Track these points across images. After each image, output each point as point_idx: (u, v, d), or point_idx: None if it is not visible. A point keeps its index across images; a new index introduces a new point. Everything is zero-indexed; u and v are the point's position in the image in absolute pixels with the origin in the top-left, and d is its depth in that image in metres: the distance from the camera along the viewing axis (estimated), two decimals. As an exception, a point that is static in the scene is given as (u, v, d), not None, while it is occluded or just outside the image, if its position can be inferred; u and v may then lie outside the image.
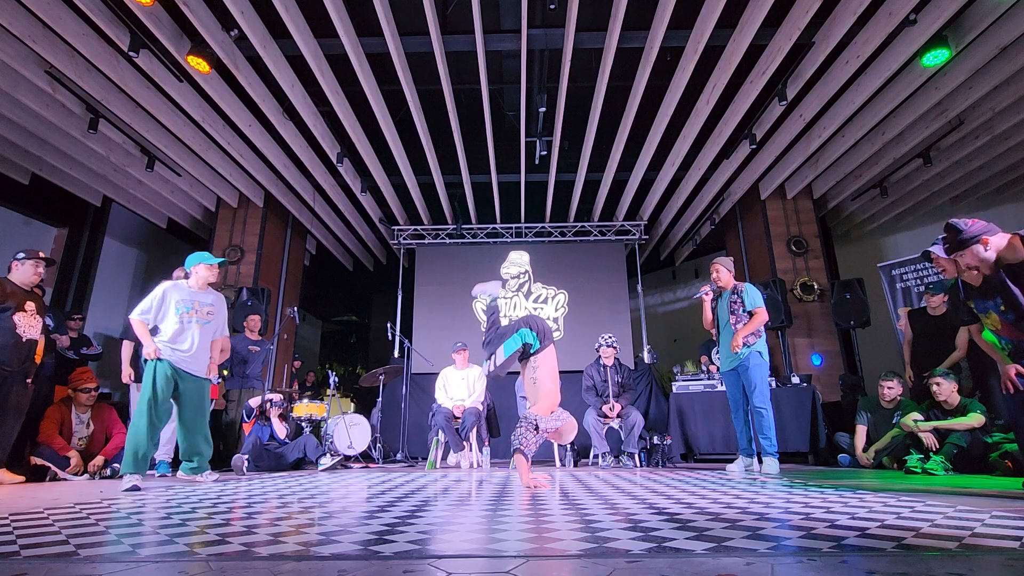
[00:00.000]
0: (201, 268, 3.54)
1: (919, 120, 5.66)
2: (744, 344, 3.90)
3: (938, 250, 2.58)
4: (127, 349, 4.48)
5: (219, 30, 4.54)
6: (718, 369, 5.56)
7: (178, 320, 3.36)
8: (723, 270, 4.16)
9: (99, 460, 4.03)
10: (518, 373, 3.56)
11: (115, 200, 7.19)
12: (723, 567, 1.10)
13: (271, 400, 4.90)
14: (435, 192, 7.61)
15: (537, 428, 2.92)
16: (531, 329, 3.08)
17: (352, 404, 7.58)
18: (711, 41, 4.61)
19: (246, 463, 4.36)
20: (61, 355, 5.11)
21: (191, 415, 3.46)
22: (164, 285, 3.43)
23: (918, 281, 6.34)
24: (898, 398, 4.36)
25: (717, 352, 5.98)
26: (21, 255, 3.67)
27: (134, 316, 3.33)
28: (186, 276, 3.58)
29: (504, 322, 3.30)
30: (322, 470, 4.61)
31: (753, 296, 3.99)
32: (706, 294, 4.23)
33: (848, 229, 8.48)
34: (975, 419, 3.70)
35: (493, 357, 3.10)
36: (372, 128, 6.06)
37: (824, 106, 5.51)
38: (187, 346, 3.37)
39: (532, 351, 3.06)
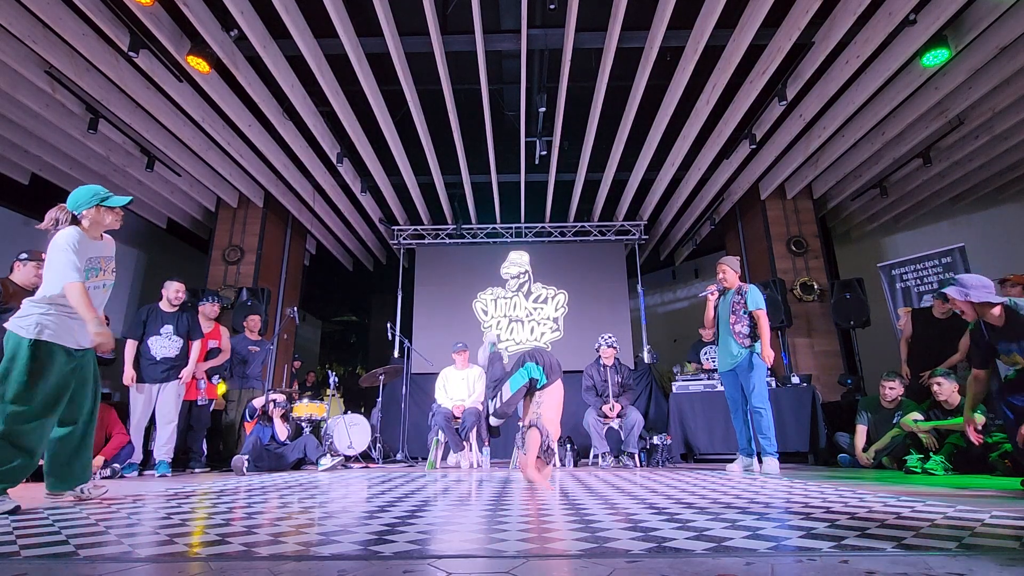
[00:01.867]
0: (96, 211, 2.47)
1: (919, 120, 5.66)
2: (746, 346, 3.94)
3: (954, 292, 2.58)
4: (130, 349, 4.38)
5: (219, 30, 4.54)
6: (713, 369, 5.58)
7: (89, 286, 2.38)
8: (730, 270, 4.18)
9: (99, 460, 4.01)
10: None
11: (115, 200, 7.18)
12: (723, 567, 1.10)
13: (275, 400, 4.90)
14: (435, 192, 7.61)
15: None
16: (537, 363, 2.95)
17: (341, 402, 7.51)
18: (711, 41, 4.61)
19: (246, 463, 4.36)
20: None
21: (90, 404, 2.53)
22: (74, 232, 2.37)
23: (918, 281, 6.34)
24: (899, 398, 4.37)
25: (706, 353, 5.98)
26: (24, 256, 3.68)
27: (74, 279, 2.28)
28: (73, 219, 2.45)
29: (501, 346, 3.36)
30: (322, 470, 4.61)
31: (755, 297, 4.01)
32: (712, 293, 4.23)
33: (848, 229, 8.48)
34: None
35: (499, 394, 2.99)
36: (372, 128, 6.06)
37: (824, 106, 5.51)
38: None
39: (539, 386, 2.94)
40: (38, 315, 2.28)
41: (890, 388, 4.38)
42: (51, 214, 2.44)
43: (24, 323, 2.27)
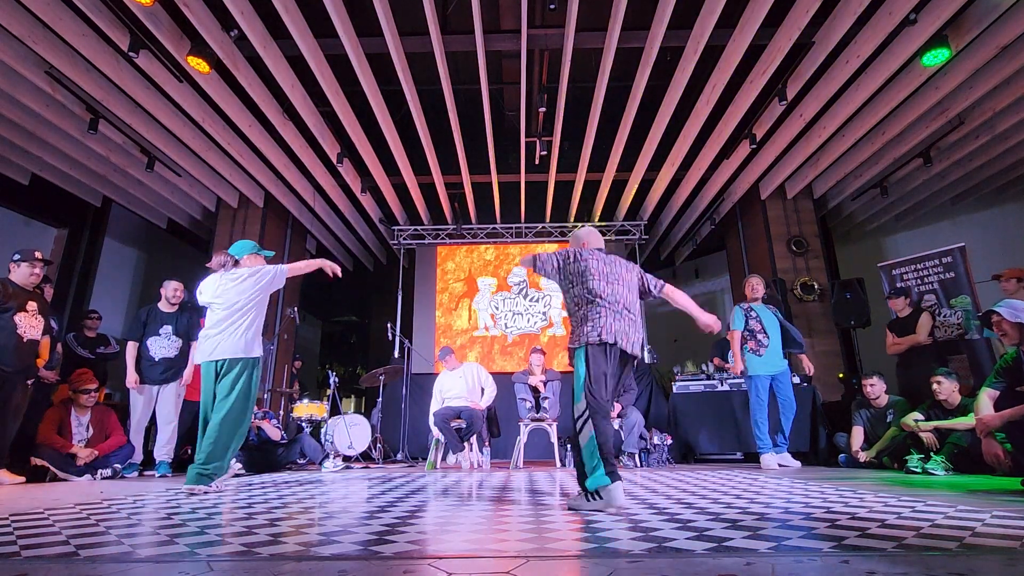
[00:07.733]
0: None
1: (919, 120, 5.65)
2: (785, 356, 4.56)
3: (1005, 312, 2.41)
4: (131, 351, 4.33)
5: (219, 30, 4.53)
6: (718, 369, 5.57)
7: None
8: (760, 287, 4.81)
9: (88, 452, 3.94)
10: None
11: (115, 200, 7.18)
12: (723, 567, 1.10)
13: None
14: (435, 192, 7.60)
15: None
16: None
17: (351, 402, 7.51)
18: (711, 41, 4.60)
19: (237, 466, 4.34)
20: (75, 354, 5.00)
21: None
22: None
23: (918, 281, 6.32)
24: (884, 395, 4.40)
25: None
26: (16, 256, 3.67)
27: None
28: (235, 263, 3.57)
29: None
30: (327, 471, 4.60)
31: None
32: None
33: (848, 229, 8.47)
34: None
35: None
36: (372, 128, 6.06)
37: (824, 106, 5.50)
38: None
39: None
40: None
41: (870, 386, 4.42)
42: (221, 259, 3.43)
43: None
